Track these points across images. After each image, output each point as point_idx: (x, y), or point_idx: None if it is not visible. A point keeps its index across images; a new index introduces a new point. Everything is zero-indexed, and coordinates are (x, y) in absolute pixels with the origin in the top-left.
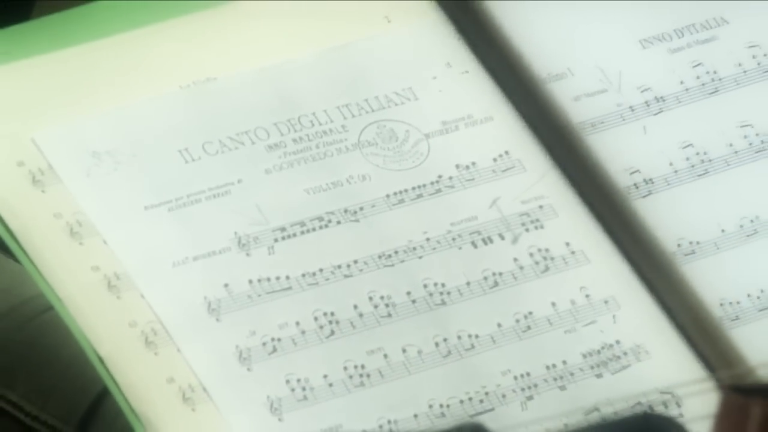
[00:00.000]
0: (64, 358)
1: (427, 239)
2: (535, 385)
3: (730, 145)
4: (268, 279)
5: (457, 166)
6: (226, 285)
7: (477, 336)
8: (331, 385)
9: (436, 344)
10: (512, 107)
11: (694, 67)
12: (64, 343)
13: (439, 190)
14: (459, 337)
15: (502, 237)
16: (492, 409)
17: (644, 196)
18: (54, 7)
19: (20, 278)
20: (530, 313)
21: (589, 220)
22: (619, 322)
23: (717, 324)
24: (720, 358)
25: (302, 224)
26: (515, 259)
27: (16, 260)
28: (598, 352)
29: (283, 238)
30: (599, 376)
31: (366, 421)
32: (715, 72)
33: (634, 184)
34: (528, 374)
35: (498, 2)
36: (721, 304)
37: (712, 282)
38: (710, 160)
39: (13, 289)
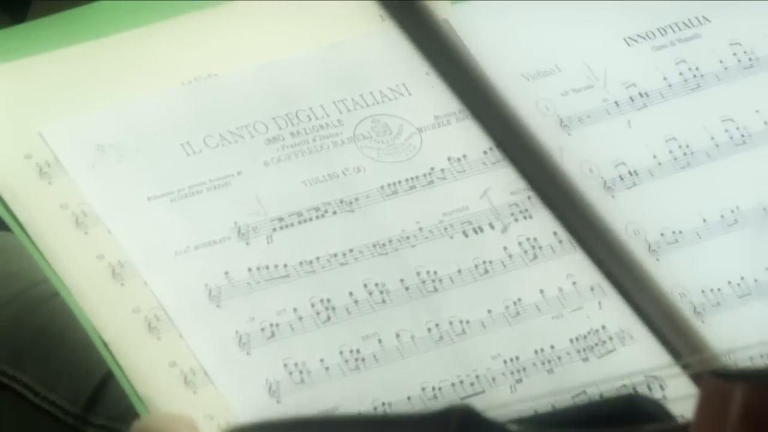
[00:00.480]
0: (71, 342)
1: (420, 229)
2: (524, 369)
3: (712, 138)
4: (267, 267)
5: (449, 159)
6: (226, 273)
7: (468, 322)
8: (327, 368)
9: (429, 330)
10: (468, 112)
11: (677, 63)
12: (72, 327)
13: (431, 182)
14: (451, 323)
15: (492, 226)
16: (482, 392)
17: (629, 188)
18: (51, 7)
19: (30, 263)
20: (519, 299)
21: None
22: (605, 308)
23: (686, 320)
24: (689, 347)
25: (299, 214)
26: (505, 248)
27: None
28: (585, 337)
29: (281, 228)
30: (585, 360)
31: (361, 403)
32: (697, 68)
33: (620, 176)
34: (517, 358)
35: (489, 2)
36: (703, 291)
37: (695, 270)
38: (692, 153)
39: (24, 275)
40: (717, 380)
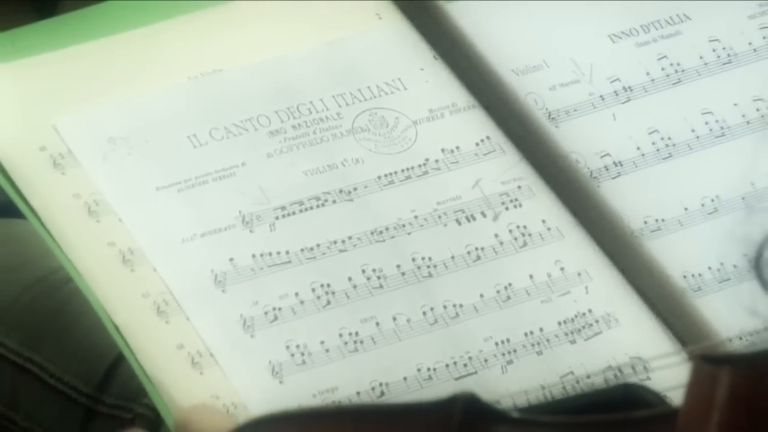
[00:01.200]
0: (84, 325)
1: (415, 217)
2: (515, 351)
3: (693, 131)
4: (270, 254)
5: (443, 150)
6: (231, 259)
7: (461, 305)
8: (327, 350)
9: (424, 313)
10: (475, 100)
11: (659, 59)
12: (85, 311)
13: (426, 172)
14: (445, 307)
15: (483, 215)
16: (475, 373)
17: (614, 178)
18: (77, 7)
19: (47, 250)
20: (510, 284)
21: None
22: (591, 292)
23: (685, 299)
24: (689, 332)
25: (301, 203)
26: (496, 235)
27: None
28: (572, 320)
29: (284, 216)
30: (573, 342)
31: (360, 383)
32: (678, 64)
33: (605, 167)
34: (508, 340)
35: (480, 1)
36: (684, 277)
37: (677, 256)
38: (674, 145)
39: (41, 261)
40: (704, 364)
